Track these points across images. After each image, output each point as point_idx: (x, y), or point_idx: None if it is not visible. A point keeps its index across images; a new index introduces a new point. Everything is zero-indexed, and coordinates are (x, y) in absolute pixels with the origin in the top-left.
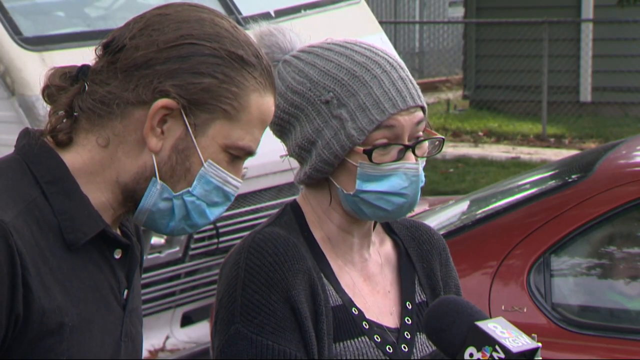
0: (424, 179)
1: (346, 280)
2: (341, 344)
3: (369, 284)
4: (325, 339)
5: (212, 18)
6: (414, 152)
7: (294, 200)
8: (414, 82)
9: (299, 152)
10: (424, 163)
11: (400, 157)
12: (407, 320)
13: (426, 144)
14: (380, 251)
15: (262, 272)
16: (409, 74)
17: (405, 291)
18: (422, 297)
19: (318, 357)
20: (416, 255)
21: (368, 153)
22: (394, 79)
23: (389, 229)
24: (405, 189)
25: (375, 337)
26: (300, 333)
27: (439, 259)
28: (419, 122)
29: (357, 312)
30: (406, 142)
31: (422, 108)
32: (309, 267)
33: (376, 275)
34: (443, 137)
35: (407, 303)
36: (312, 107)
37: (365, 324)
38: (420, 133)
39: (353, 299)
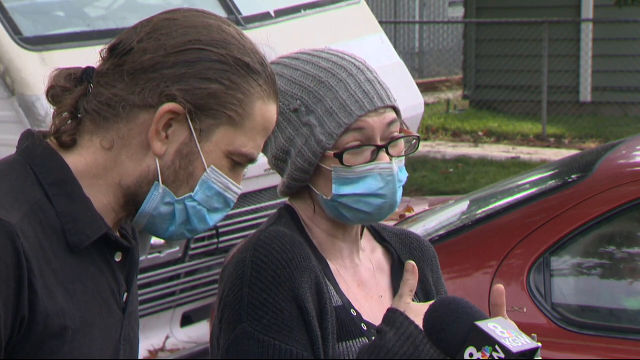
0: (403, 178)
1: (342, 284)
2: (344, 344)
3: (363, 289)
4: (330, 339)
5: (219, 25)
6: (388, 153)
7: (287, 203)
8: (383, 83)
9: (276, 163)
10: (403, 162)
11: (374, 158)
12: None
13: (402, 143)
14: (372, 258)
15: (269, 270)
16: (377, 76)
17: None
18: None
19: (324, 358)
20: None
21: (339, 157)
22: (361, 81)
23: (380, 238)
24: (381, 189)
25: (373, 338)
26: (307, 332)
27: (430, 266)
28: (390, 123)
29: (355, 314)
30: (378, 143)
31: (395, 109)
32: (315, 266)
33: (369, 280)
34: (418, 135)
35: None
36: (282, 117)
37: (364, 326)
38: (396, 134)
39: (350, 301)
